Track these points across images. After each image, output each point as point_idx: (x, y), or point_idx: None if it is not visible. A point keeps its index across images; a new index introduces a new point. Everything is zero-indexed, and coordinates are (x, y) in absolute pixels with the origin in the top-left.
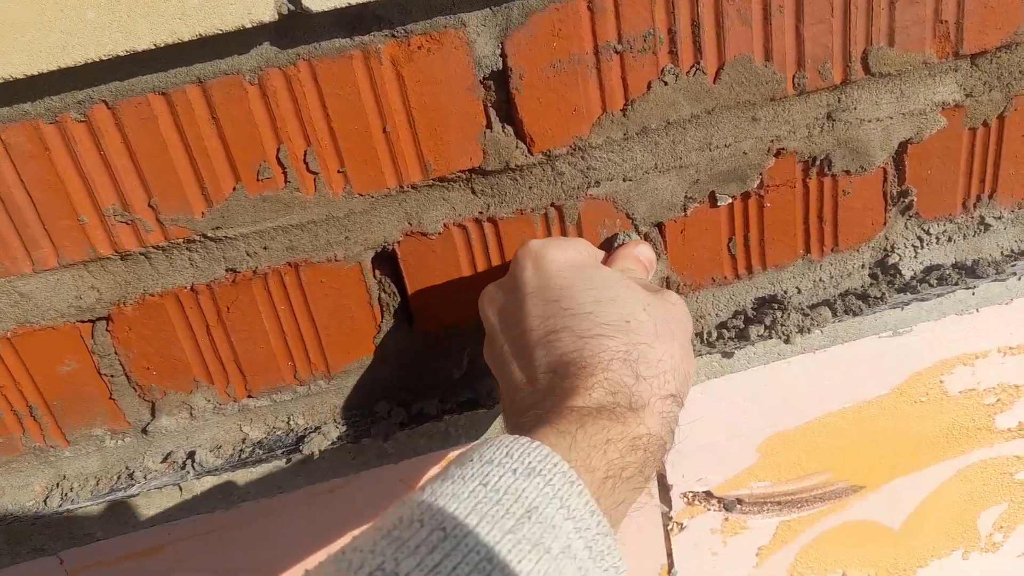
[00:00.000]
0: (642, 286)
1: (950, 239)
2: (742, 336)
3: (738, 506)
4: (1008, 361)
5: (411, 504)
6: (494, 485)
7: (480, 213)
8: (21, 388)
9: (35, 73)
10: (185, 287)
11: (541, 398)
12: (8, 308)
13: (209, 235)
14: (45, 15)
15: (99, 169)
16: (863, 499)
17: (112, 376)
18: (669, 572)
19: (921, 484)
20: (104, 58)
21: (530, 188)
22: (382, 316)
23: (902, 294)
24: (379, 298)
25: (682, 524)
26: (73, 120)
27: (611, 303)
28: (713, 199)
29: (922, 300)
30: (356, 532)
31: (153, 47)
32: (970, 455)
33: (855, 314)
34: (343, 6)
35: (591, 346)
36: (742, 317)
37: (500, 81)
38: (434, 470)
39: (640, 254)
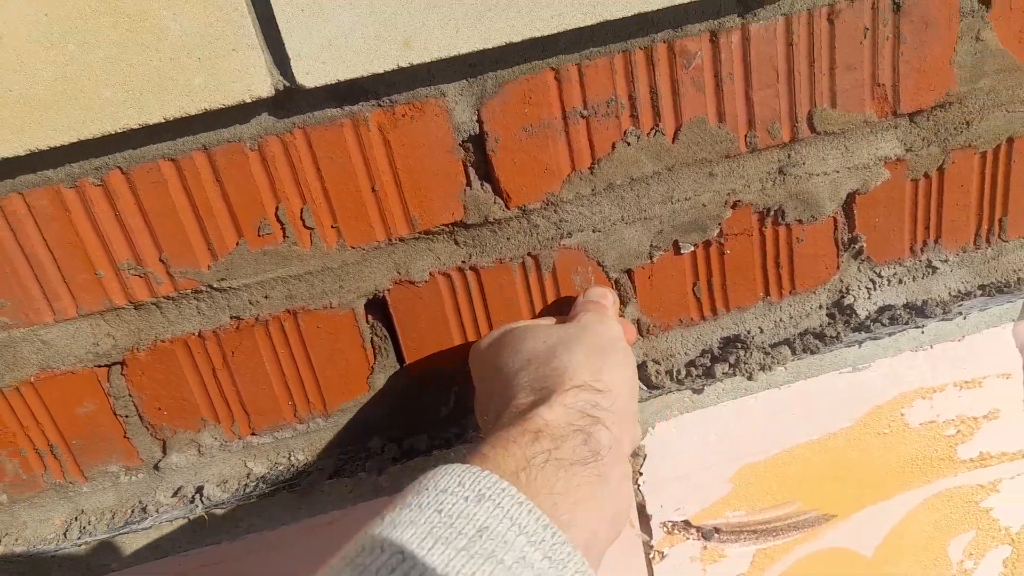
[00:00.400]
0: (555, 322)
1: (900, 281)
2: (709, 374)
3: (716, 535)
4: (964, 395)
5: (372, 533)
6: (448, 511)
7: (463, 262)
8: (43, 428)
9: (57, 145)
10: (193, 333)
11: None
12: (32, 355)
13: (215, 286)
14: (67, 94)
15: (114, 228)
16: (835, 527)
17: (127, 416)
18: None
19: (889, 513)
20: (119, 131)
21: (508, 239)
22: (375, 358)
23: (857, 333)
24: (372, 341)
25: (663, 553)
26: (91, 184)
27: (515, 352)
28: (677, 247)
29: (875, 339)
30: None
31: (163, 120)
32: (935, 484)
33: (813, 352)
34: (333, 82)
35: (504, 397)
36: (709, 356)
37: (478, 143)
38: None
39: (589, 297)
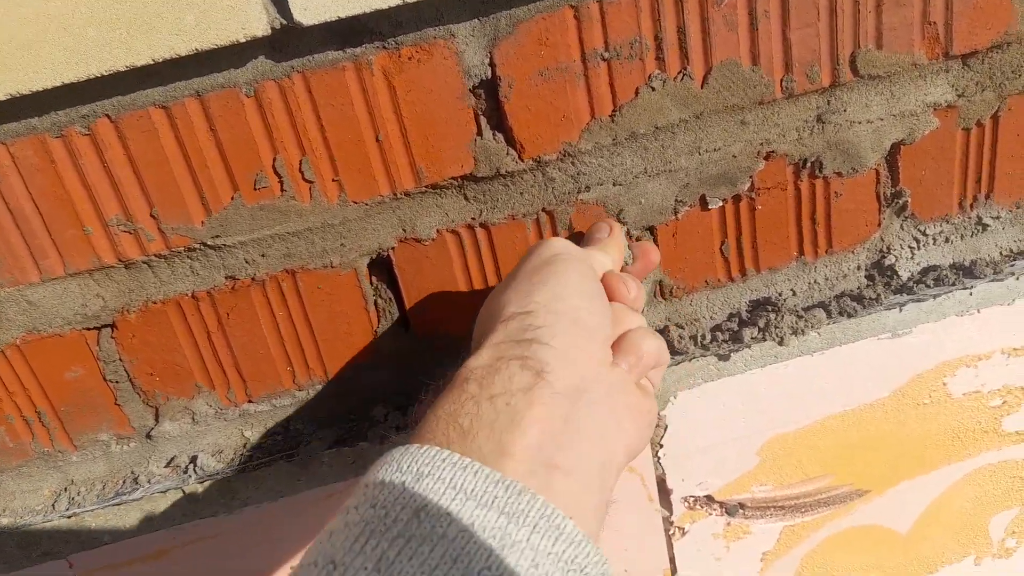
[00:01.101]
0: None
1: (947, 240)
2: (736, 338)
3: (740, 511)
4: (1012, 363)
5: (311, 547)
6: (383, 503)
7: (473, 219)
8: (30, 394)
9: (40, 89)
10: (186, 294)
11: None
12: (17, 316)
13: (209, 243)
14: (48, 33)
15: (103, 181)
16: (868, 503)
17: (117, 382)
18: None
19: (927, 488)
20: (106, 73)
21: (521, 194)
22: (378, 321)
23: (898, 295)
24: (375, 303)
25: (684, 529)
26: (78, 134)
27: (477, 322)
28: (704, 202)
29: (919, 301)
30: None
31: (152, 62)
32: (977, 459)
33: (850, 315)
34: (333, 19)
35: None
36: (736, 320)
37: (490, 89)
38: None
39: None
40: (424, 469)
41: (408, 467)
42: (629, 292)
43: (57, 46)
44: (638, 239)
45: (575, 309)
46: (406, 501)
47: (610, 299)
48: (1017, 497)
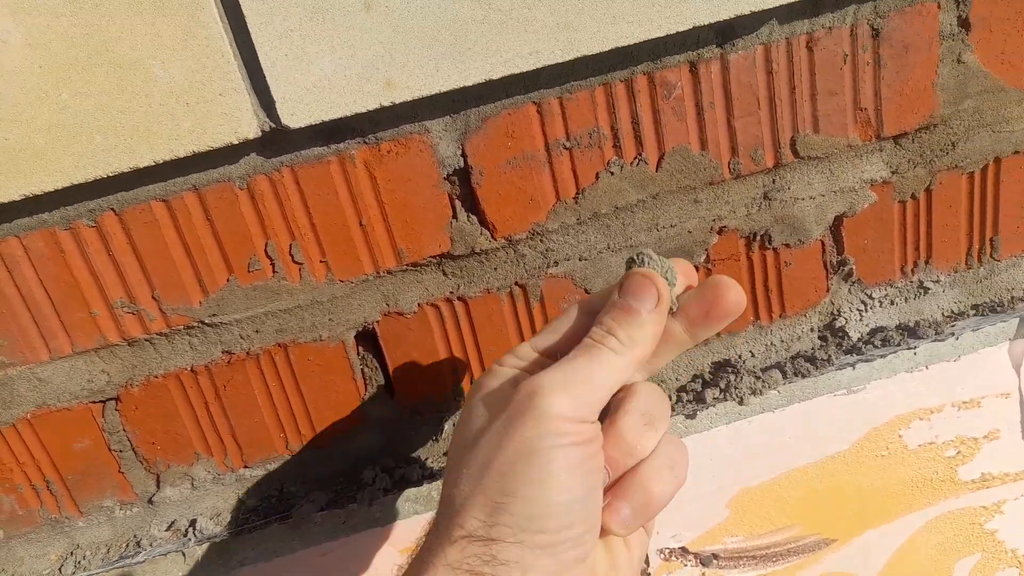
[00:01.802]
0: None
1: (892, 302)
2: (699, 399)
3: (714, 561)
4: (963, 415)
5: None
6: None
7: (451, 293)
8: (39, 464)
9: (51, 190)
10: (185, 368)
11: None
12: (28, 392)
13: (206, 321)
14: (60, 141)
15: (108, 268)
16: (836, 552)
17: (121, 451)
18: None
19: (892, 536)
20: (111, 175)
21: (495, 269)
22: (365, 389)
23: (849, 355)
24: (362, 372)
25: None
26: (85, 226)
27: (452, 444)
28: None
29: (868, 361)
30: None
31: (153, 164)
32: (937, 506)
33: (804, 376)
34: (318, 123)
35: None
36: (700, 381)
37: (463, 177)
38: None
39: (615, 303)
40: None
41: None
42: (645, 449)
43: (67, 152)
44: None
45: (554, 534)
46: None
47: (614, 470)
48: (977, 543)
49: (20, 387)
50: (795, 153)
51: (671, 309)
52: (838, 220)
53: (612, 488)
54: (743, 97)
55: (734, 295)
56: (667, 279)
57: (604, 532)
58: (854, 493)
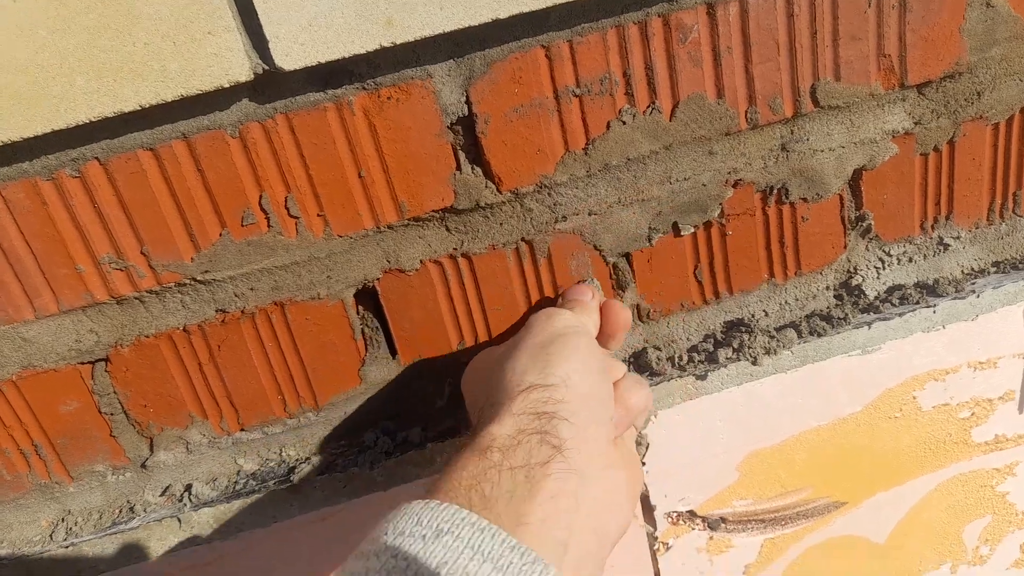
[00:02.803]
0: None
1: (911, 260)
2: (712, 359)
3: (722, 524)
4: (979, 376)
5: None
6: (404, 554)
7: (454, 249)
8: (27, 428)
9: (31, 136)
10: (178, 328)
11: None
12: (12, 353)
13: (199, 278)
14: (38, 83)
15: (94, 221)
16: (846, 515)
17: (112, 414)
18: None
19: (902, 498)
20: (94, 119)
21: (501, 224)
22: (366, 349)
23: (865, 314)
24: (362, 332)
25: (667, 544)
26: (68, 176)
27: (476, 383)
28: (677, 229)
29: (885, 320)
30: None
31: (139, 108)
32: (949, 469)
33: (820, 335)
34: (314, 64)
35: (473, 425)
36: (712, 340)
37: (467, 126)
38: None
39: (567, 296)
40: (444, 526)
41: (428, 522)
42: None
43: (47, 95)
44: (614, 265)
45: (592, 386)
46: (427, 556)
47: None
48: (988, 506)
49: (4, 347)
50: (815, 102)
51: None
52: (857, 173)
53: None
54: (762, 42)
55: (623, 318)
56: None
57: None
58: (866, 456)
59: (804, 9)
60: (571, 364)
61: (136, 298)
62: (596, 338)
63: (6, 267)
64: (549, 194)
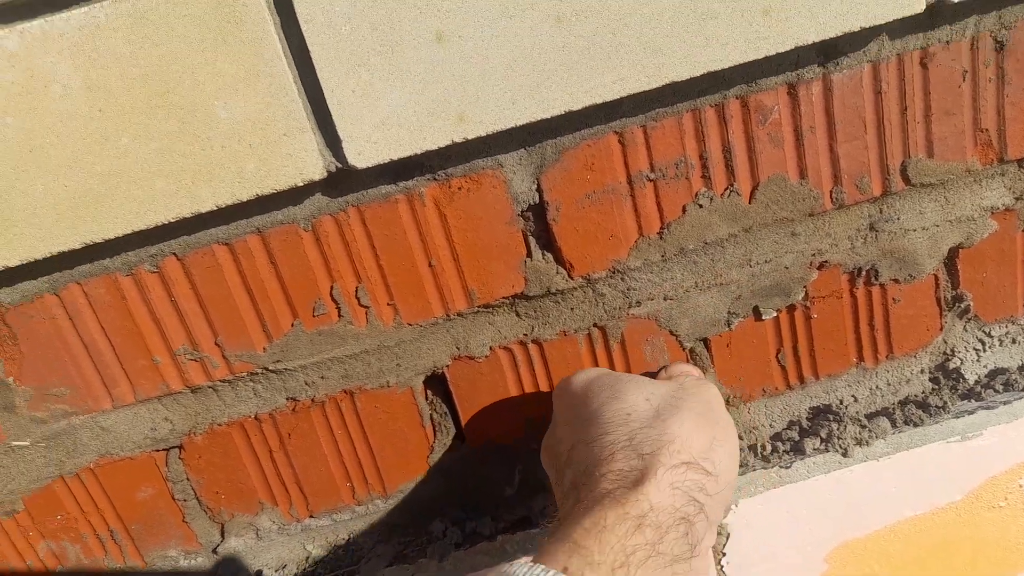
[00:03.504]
0: (657, 380)
1: (1014, 341)
2: (797, 449)
3: None
4: None
5: None
6: None
7: (525, 335)
8: (103, 514)
9: (113, 237)
10: (249, 416)
11: (565, 513)
12: (91, 441)
13: (271, 368)
14: (121, 188)
15: (170, 314)
16: None
17: (185, 500)
18: None
19: None
20: (173, 220)
21: (572, 310)
22: (435, 436)
23: (966, 400)
24: (431, 419)
25: None
26: (147, 272)
27: (614, 400)
28: (758, 313)
29: (988, 408)
30: None
31: (215, 208)
32: None
33: (916, 425)
34: (386, 161)
35: (596, 448)
36: (797, 428)
37: (538, 212)
38: None
39: (676, 370)
40: None
41: None
42: None
43: (128, 198)
44: (691, 351)
45: (732, 480)
46: None
47: None
48: None
49: (83, 436)
50: (906, 180)
51: None
52: (953, 252)
53: None
54: (848, 120)
55: None
56: None
57: None
58: (968, 548)
59: (892, 86)
60: (728, 454)
61: (210, 387)
62: None
63: (86, 359)
64: (622, 279)
